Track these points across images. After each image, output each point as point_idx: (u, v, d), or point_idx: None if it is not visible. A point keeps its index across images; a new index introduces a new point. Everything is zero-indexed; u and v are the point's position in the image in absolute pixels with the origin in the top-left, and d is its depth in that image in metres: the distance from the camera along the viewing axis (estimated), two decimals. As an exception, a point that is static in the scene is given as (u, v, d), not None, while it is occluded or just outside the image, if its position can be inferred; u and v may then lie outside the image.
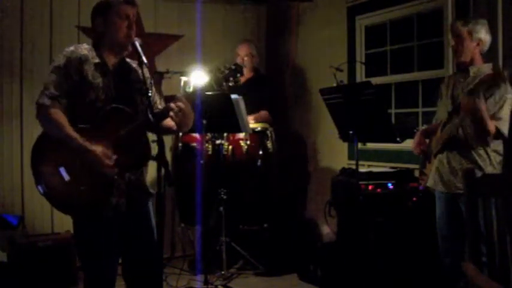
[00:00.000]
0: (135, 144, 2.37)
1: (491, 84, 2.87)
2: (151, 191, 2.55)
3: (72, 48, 2.42)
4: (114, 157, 2.31)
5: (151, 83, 2.52)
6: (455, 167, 3.00)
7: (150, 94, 2.31)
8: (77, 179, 2.32)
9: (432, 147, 3.16)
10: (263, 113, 4.70)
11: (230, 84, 2.45)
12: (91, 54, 2.42)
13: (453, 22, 3.11)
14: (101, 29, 2.44)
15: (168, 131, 2.55)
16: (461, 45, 2.99)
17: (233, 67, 2.44)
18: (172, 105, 2.34)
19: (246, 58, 4.65)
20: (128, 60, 2.54)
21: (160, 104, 2.62)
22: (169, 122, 2.47)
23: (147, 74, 2.41)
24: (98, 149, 2.29)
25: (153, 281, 2.49)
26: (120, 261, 2.55)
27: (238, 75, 2.45)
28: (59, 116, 2.32)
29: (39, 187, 2.37)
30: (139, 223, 2.49)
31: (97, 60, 2.41)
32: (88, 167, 2.31)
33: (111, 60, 2.46)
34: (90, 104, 2.36)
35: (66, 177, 2.32)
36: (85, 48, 2.44)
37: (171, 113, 2.33)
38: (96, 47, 2.46)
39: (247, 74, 4.60)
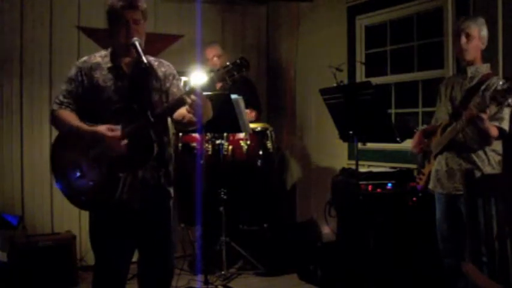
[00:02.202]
0: (143, 142, 2.38)
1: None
2: (171, 190, 2.56)
3: (85, 58, 2.54)
4: (119, 131, 2.33)
5: (166, 78, 2.54)
6: (453, 168, 3.00)
7: (149, 94, 2.33)
8: (87, 175, 2.42)
9: (432, 148, 3.16)
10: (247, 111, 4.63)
11: (235, 78, 2.36)
12: (105, 60, 2.50)
13: (462, 20, 3.04)
14: (109, 31, 2.49)
15: (189, 124, 2.51)
16: (471, 44, 2.98)
17: (238, 61, 2.35)
18: (186, 98, 2.31)
19: (215, 59, 4.60)
20: (150, 58, 2.52)
21: None
22: (187, 116, 2.45)
23: (162, 69, 2.50)
24: (102, 126, 2.35)
25: (161, 281, 2.53)
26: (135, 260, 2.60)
27: (244, 69, 2.36)
28: (65, 114, 2.47)
29: (57, 183, 2.53)
30: (154, 222, 2.51)
31: (110, 64, 2.48)
32: (96, 162, 2.37)
33: (127, 61, 2.49)
34: (104, 105, 2.43)
35: (79, 173, 2.44)
36: (99, 56, 2.52)
37: (187, 107, 2.32)
38: (113, 48, 2.53)
39: None
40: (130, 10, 2.40)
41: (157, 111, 2.36)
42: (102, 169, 2.38)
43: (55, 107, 2.50)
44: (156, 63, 2.54)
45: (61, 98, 2.49)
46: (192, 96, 2.28)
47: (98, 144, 2.35)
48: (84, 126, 2.39)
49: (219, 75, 2.34)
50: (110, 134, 2.32)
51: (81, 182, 2.43)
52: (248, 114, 4.60)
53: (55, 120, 2.50)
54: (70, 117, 2.45)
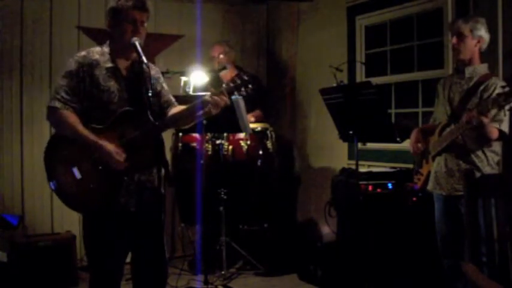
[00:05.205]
0: (145, 146, 2.39)
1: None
2: (163, 191, 2.56)
3: (84, 53, 2.47)
4: (124, 155, 2.34)
5: (156, 80, 2.56)
6: (452, 169, 3.00)
7: (150, 94, 2.33)
8: (87, 177, 2.38)
9: (430, 149, 3.16)
10: (256, 113, 4.70)
11: (243, 94, 2.56)
12: (103, 58, 2.46)
13: (454, 20, 3.09)
14: (110, 31, 2.47)
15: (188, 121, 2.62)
16: (463, 43, 2.97)
17: (246, 78, 2.52)
18: (216, 98, 2.42)
19: (221, 56, 4.64)
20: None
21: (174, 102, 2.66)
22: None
23: (152, 72, 2.44)
24: (109, 145, 2.33)
25: (158, 281, 2.52)
26: (128, 260, 2.59)
27: (250, 85, 2.51)
28: (70, 116, 2.39)
29: (51, 183, 2.46)
30: (148, 223, 2.50)
31: (109, 64, 2.45)
32: (98, 166, 2.35)
33: (124, 63, 2.49)
34: (103, 106, 2.41)
35: (78, 175, 2.39)
36: (97, 52, 2.47)
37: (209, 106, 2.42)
38: (111, 48, 2.49)
39: (230, 72, 4.64)
40: (141, 11, 2.41)
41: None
42: (104, 172, 2.36)
43: (58, 104, 2.37)
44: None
45: (63, 94, 2.38)
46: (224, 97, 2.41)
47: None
48: (91, 136, 2.34)
49: (228, 89, 2.45)
50: (116, 157, 2.32)
51: (81, 184, 2.39)
52: (256, 114, 4.65)
53: (57, 120, 2.41)
54: (75, 121, 2.37)
